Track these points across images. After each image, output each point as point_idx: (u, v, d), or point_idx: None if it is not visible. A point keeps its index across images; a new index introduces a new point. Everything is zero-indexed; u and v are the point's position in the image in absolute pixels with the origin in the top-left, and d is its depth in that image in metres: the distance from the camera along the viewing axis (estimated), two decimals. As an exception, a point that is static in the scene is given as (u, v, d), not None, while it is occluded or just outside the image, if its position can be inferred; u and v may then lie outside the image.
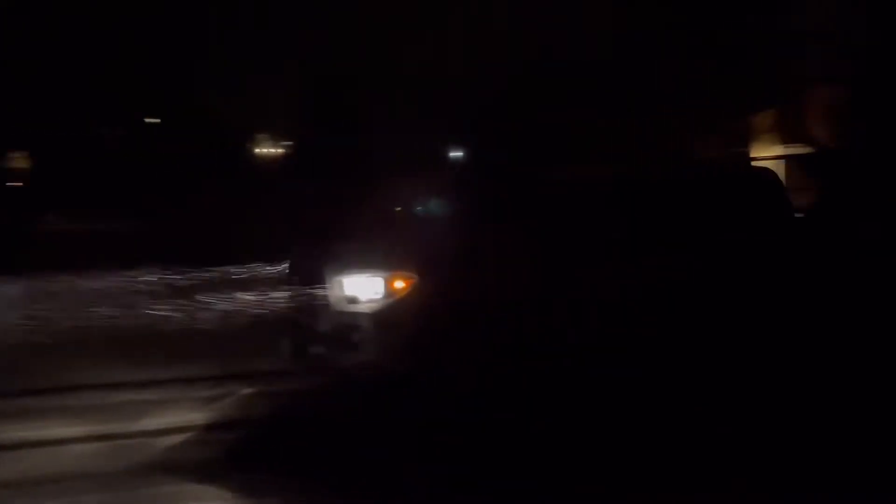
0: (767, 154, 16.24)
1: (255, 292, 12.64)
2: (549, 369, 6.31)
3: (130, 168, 24.28)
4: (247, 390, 7.40)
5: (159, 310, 11.52)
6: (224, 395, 7.31)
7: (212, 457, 5.93)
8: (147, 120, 26.48)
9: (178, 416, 6.78)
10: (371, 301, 6.44)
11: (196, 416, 6.79)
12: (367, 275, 6.50)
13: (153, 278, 14.69)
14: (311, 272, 6.91)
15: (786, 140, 15.99)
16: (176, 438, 6.35)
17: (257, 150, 25.98)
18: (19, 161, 26.65)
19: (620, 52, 16.28)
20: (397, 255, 6.65)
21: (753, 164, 12.73)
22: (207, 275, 15.04)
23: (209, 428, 6.56)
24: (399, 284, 6.42)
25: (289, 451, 5.88)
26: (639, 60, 16.20)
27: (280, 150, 25.79)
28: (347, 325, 6.47)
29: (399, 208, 7.86)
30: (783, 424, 6.06)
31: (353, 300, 6.50)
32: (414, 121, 18.62)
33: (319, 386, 6.66)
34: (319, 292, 6.74)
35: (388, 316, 6.37)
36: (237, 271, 15.57)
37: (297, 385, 7.02)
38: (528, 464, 5.61)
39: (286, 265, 8.05)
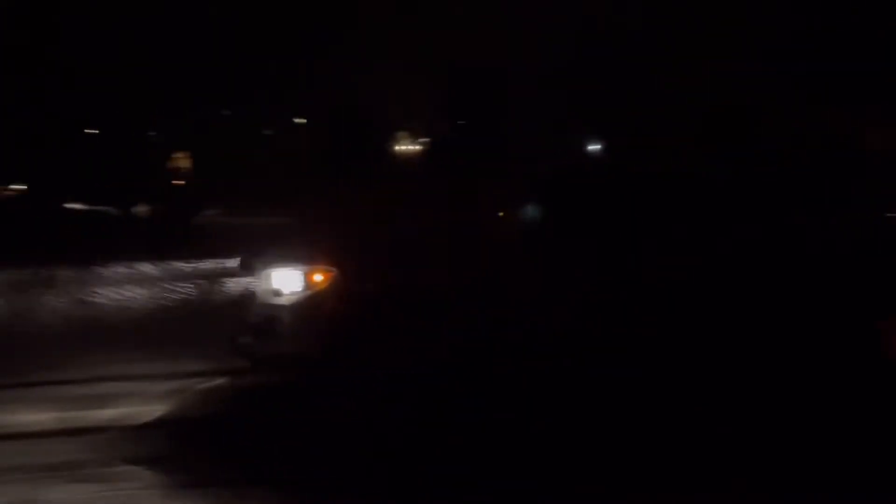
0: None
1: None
2: (549, 369, 6.32)
3: (281, 166, 25.11)
4: (237, 383, 7.49)
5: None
6: (211, 389, 7.41)
7: (202, 454, 5.95)
8: (295, 120, 27.56)
9: (167, 409, 6.90)
10: (291, 294, 6.66)
11: (181, 411, 6.89)
12: (289, 268, 6.71)
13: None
14: (252, 265, 7.21)
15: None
16: (167, 432, 6.43)
17: (398, 147, 26.39)
18: (181, 161, 27.66)
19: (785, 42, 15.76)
20: (318, 249, 6.84)
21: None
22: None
23: (194, 423, 6.65)
24: (318, 278, 6.63)
25: (285, 450, 5.89)
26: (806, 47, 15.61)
27: (419, 147, 26.14)
28: (271, 316, 6.72)
29: (502, 213, 7.59)
30: (783, 424, 6.03)
31: (276, 293, 6.74)
32: (549, 114, 18.42)
33: (315, 384, 6.68)
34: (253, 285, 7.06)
35: (307, 308, 6.59)
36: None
37: (292, 382, 7.05)
38: (528, 464, 5.60)
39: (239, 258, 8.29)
